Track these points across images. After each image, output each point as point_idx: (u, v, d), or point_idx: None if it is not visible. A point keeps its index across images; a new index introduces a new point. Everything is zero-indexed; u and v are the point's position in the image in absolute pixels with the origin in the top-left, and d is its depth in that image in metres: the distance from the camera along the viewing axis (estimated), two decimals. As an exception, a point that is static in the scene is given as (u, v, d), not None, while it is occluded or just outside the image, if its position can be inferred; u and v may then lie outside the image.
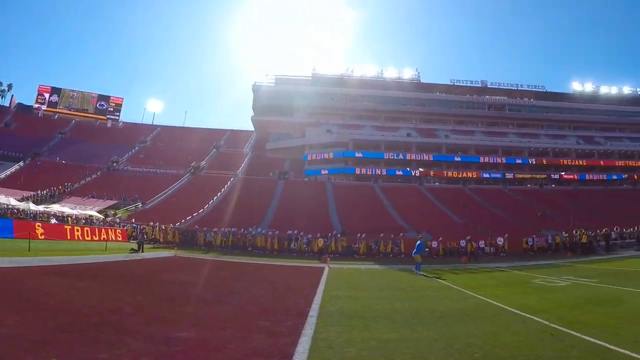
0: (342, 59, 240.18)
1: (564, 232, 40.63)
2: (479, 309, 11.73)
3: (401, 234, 37.68)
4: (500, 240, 37.52)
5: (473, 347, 7.31)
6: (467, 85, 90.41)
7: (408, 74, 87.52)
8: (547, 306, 11.82)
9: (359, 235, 36.06)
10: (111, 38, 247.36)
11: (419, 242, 23.56)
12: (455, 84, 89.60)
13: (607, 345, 7.43)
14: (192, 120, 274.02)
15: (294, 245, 35.04)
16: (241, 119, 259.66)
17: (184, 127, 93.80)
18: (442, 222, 49.34)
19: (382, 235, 35.99)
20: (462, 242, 36.03)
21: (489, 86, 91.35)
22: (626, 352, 6.98)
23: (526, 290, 15.63)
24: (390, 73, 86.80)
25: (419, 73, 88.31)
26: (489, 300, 12.99)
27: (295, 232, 35.86)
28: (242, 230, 36.61)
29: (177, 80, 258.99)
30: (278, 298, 12.62)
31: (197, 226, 38.28)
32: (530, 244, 38.08)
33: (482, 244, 36.33)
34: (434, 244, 35.09)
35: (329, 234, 36.44)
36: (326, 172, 70.46)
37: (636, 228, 42.00)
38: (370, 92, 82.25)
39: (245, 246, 35.08)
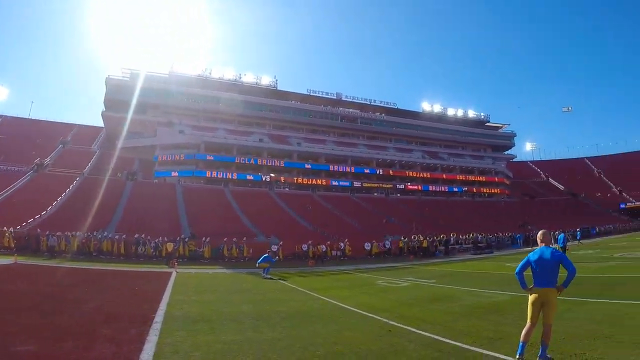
0: (201, 59, 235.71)
1: (403, 237, 42.72)
2: (323, 309, 11.94)
3: (244, 238, 37.16)
4: (341, 245, 38.47)
5: (315, 346, 7.44)
6: (323, 96, 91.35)
7: (266, 80, 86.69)
8: (388, 305, 12.27)
9: (203, 239, 35.21)
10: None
11: (267, 255, 23.63)
12: (312, 94, 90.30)
13: (441, 338, 7.84)
14: (39, 112, 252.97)
15: (142, 249, 33.26)
16: (92, 114, 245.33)
17: (29, 118, 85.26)
18: (290, 227, 49.75)
19: (225, 239, 35.23)
20: (304, 246, 36.49)
21: (343, 99, 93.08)
22: (457, 343, 7.41)
23: (369, 291, 16.15)
24: (249, 78, 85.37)
25: (276, 80, 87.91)
26: (333, 301, 13.25)
27: (143, 235, 34.18)
28: (86, 234, 34.27)
29: (25, 66, 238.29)
30: (123, 305, 11.93)
31: (39, 230, 35.24)
32: (368, 248, 39.30)
33: (323, 248, 36.81)
34: (274, 247, 35.10)
35: (178, 238, 35.20)
36: (176, 174, 67.76)
37: (472, 234, 45.35)
38: (226, 95, 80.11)
39: (90, 251, 32.53)
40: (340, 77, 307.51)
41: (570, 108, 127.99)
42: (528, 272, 6.45)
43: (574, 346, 6.86)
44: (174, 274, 21.31)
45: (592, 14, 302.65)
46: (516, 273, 6.50)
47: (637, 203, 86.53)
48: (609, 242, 41.17)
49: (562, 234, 26.92)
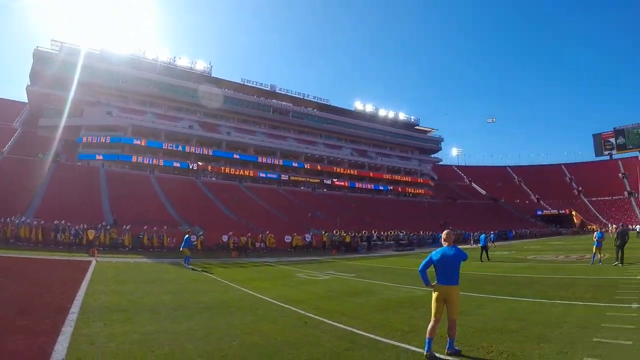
0: (136, 38, 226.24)
1: (324, 232, 43.21)
2: (242, 300, 11.97)
3: (165, 227, 36.26)
4: (262, 237, 38.57)
5: (232, 336, 7.51)
6: (257, 87, 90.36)
7: (201, 65, 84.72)
8: (307, 297, 12.43)
9: (124, 227, 34.14)
10: None
11: (186, 235, 23.34)
12: (246, 83, 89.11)
13: (356, 330, 8.00)
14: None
15: (61, 236, 31.68)
16: (15, 87, 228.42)
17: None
18: (215, 217, 49.28)
19: (145, 227, 34.28)
20: (224, 237, 36.29)
21: (277, 91, 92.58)
22: (371, 335, 7.60)
23: (289, 283, 16.27)
24: (183, 62, 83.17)
25: (211, 67, 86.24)
26: (252, 292, 13.29)
27: (63, 222, 32.69)
28: (2, 219, 32.40)
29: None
30: (39, 295, 11.40)
31: (-48, 214, 33.00)
32: (289, 240, 39.61)
33: (241, 240, 35.93)
34: (193, 238, 34.29)
35: (99, 225, 33.92)
36: (101, 157, 64.73)
37: (394, 232, 46.36)
38: (159, 77, 77.61)
39: (7, 237, 30.58)
40: (277, 69, 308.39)
41: (494, 119, 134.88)
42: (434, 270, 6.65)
43: (481, 340, 7.17)
44: (93, 263, 20.65)
45: (521, 32, 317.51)
46: (419, 271, 6.66)
47: (553, 211, 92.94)
48: (524, 245, 43.26)
49: (483, 235, 27.91)
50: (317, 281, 16.96)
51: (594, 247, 20.33)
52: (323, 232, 42.59)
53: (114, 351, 6.40)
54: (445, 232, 6.95)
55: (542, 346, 6.69)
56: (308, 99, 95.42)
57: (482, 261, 24.63)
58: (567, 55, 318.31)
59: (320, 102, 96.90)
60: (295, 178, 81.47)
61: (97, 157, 64.19)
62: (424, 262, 6.72)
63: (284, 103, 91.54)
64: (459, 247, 6.88)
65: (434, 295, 6.53)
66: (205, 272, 19.87)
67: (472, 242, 48.67)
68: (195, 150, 72.65)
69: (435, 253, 6.71)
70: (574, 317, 8.80)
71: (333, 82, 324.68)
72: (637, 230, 50.58)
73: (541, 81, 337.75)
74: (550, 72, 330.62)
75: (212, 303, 11.27)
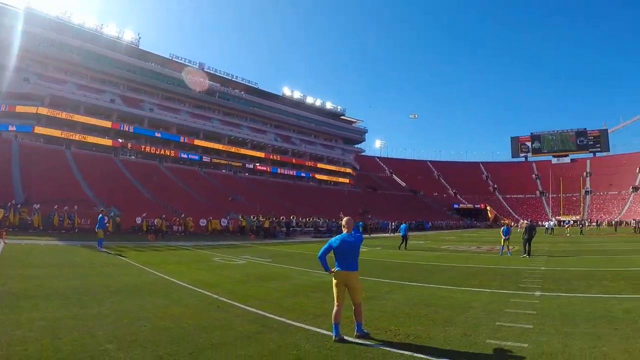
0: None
1: (241, 216, 43.28)
2: (155, 284, 11.81)
3: (75, 207, 34.83)
4: (180, 220, 38.14)
5: (142, 320, 7.44)
6: (185, 63, 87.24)
7: (129, 36, 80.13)
8: (221, 281, 12.41)
9: (34, 206, 32.49)
10: None
11: (100, 215, 22.61)
12: (174, 59, 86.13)
13: (267, 314, 8.08)
14: None
15: None
16: None
17: None
18: (133, 198, 47.71)
19: (56, 207, 32.60)
20: (139, 219, 35.73)
21: (205, 69, 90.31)
22: (282, 319, 7.71)
23: (205, 267, 16.19)
24: (111, 30, 77.91)
25: (139, 38, 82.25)
26: (166, 276, 13.13)
27: (-29, 201, 30.77)
28: None
29: None
30: None
31: None
32: (204, 224, 39.47)
33: (157, 222, 35.18)
34: (105, 219, 33.00)
35: (9, 204, 32.10)
36: (14, 128, 60.33)
37: (313, 218, 46.91)
38: (83, 45, 72.11)
39: None
40: (209, 45, 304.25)
41: (416, 115, 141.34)
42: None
43: (389, 323, 7.37)
44: (1, 245, 19.72)
45: (458, 32, 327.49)
46: (318, 257, 6.69)
47: (468, 205, 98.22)
48: (439, 236, 45.22)
49: (403, 225, 28.59)
50: (232, 266, 16.92)
51: (502, 240, 21.79)
52: (241, 217, 42.38)
53: (20, 339, 6.12)
54: (345, 218, 6.98)
55: (447, 329, 6.95)
56: (236, 80, 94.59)
57: (399, 249, 25.61)
58: (490, 63, 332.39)
59: (248, 84, 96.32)
60: (218, 160, 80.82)
61: (10, 127, 60.25)
62: (323, 248, 6.75)
63: (211, 83, 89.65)
64: (359, 233, 6.95)
65: (334, 281, 6.58)
66: (119, 255, 19.33)
67: (390, 231, 49.86)
68: (115, 126, 69.85)
69: (334, 240, 6.74)
70: (480, 303, 9.22)
71: (264, 65, 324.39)
72: (546, 226, 53.24)
73: (465, 84, 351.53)
74: (475, 75, 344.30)
75: (123, 287, 11.04)
